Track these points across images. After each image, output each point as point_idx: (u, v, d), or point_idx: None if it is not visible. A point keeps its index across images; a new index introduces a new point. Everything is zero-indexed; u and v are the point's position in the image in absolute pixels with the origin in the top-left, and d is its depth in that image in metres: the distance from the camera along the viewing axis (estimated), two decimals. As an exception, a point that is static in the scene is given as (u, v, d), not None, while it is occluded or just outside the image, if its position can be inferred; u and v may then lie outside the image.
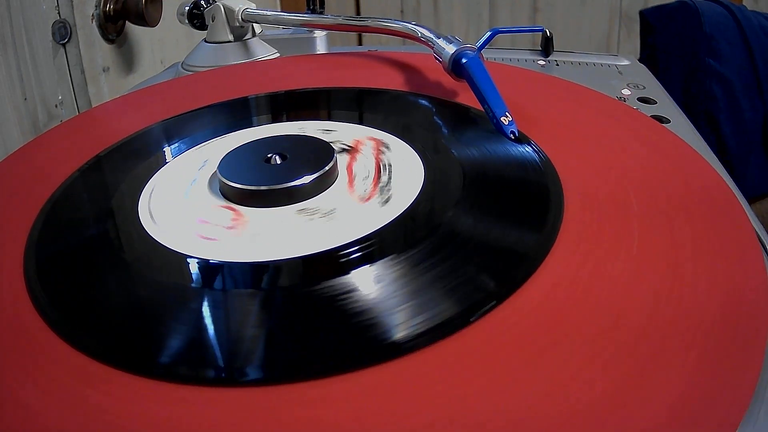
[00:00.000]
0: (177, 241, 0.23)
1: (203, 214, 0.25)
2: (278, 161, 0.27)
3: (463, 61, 0.32)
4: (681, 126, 0.37)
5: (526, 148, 0.28)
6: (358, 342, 0.18)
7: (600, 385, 0.17)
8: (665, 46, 0.76)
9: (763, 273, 0.20)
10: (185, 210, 0.26)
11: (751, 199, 0.70)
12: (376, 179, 0.26)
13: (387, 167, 0.27)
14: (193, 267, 0.22)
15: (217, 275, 0.22)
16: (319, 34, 0.54)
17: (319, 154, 0.27)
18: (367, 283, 0.21)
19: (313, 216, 0.24)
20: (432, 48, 0.34)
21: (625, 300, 0.19)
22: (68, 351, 0.19)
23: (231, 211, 0.25)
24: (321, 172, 0.26)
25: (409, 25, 0.38)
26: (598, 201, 0.24)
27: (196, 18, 0.50)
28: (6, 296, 0.22)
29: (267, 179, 0.25)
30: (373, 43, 0.96)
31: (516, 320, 0.19)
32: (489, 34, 0.36)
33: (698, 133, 0.37)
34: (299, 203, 0.25)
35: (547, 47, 0.50)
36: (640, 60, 0.58)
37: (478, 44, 0.34)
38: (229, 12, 0.47)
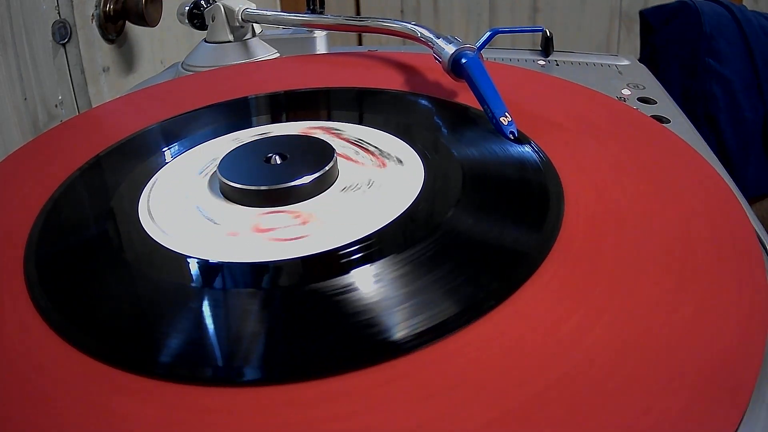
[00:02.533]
0: (177, 241, 0.23)
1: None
2: (278, 161, 0.27)
3: (463, 61, 0.32)
4: (681, 126, 0.37)
5: (526, 148, 0.28)
6: (357, 342, 0.18)
7: (599, 385, 0.17)
8: (665, 46, 0.76)
9: (763, 273, 0.20)
10: (185, 210, 0.26)
11: (751, 199, 0.70)
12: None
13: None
14: (193, 267, 0.22)
15: (216, 275, 0.22)
16: (319, 34, 0.54)
17: (319, 154, 0.27)
18: (367, 282, 0.21)
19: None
20: (432, 48, 0.34)
21: (624, 299, 0.19)
22: (68, 351, 0.19)
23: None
24: (321, 172, 0.26)
25: (409, 25, 0.38)
26: (598, 201, 0.24)
27: (196, 18, 0.50)
28: (6, 296, 0.22)
29: (267, 179, 0.25)
30: (373, 43, 0.96)
31: (516, 320, 0.19)
32: (489, 34, 0.36)
33: (698, 133, 0.37)
34: (299, 203, 0.25)
35: (547, 47, 0.50)
36: (640, 60, 0.58)
37: (478, 44, 0.34)
38: (229, 12, 0.47)
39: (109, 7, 0.60)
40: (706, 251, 0.21)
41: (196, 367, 0.18)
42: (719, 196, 0.24)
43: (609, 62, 0.49)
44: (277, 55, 0.50)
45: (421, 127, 0.31)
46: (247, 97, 0.36)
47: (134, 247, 0.24)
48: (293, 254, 0.22)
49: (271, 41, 0.52)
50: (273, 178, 0.26)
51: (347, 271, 0.21)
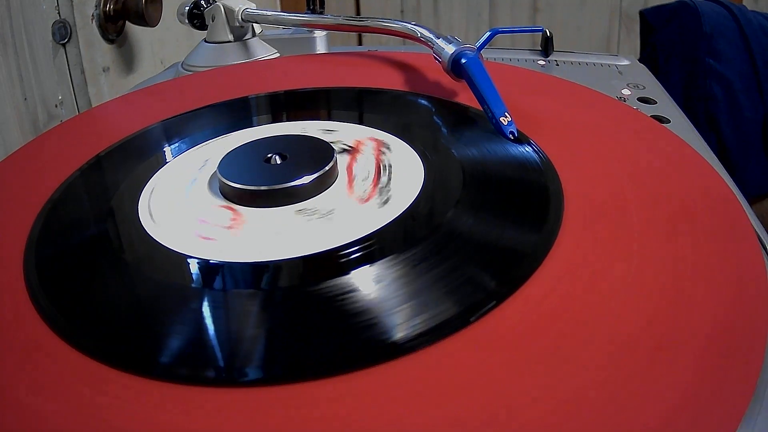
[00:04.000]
0: (177, 241, 0.23)
1: (203, 214, 0.25)
2: (278, 161, 0.27)
3: (463, 61, 0.32)
4: (681, 126, 0.37)
5: (526, 148, 0.28)
6: (358, 342, 0.18)
7: (600, 386, 0.17)
8: (665, 46, 0.76)
9: (763, 273, 0.20)
10: (185, 210, 0.26)
11: (751, 199, 0.70)
12: (375, 180, 0.26)
13: (387, 168, 0.27)
14: (193, 267, 0.22)
15: (216, 275, 0.22)
16: (319, 34, 0.54)
17: (319, 154, 0.27)
18: (367, 283, 0.21)
19: (312, 216, 0.24)
20: (432, 48, 0.34)
21: (624, 300, 0.19)
22: (68, 351, 0.19)
23: (231, 211, 0.25)
24: (321, 172, 0.26)
25: (409, 25, 0.38)
26: (598, 201, 0.24)
27: (196, 18, 0.50)
28: (6, 296, 0.22)
29: (267, 179, 0.25)
30: (373, 43, 0.96)
31: (516, 320, 0.19)
32: (489, 34, 0.36)
33: (698, 133, 0.37)
34: (299, 203, 0.25)
35: (547, 47, 0.50)
36: (640, 60, 0.58)
37: (478, 44, 0.34)
38: (229, 12, 0.47)
39: (109, 7, 0.60)
40: (705, 251, 0.21)
41: (196, 367, 0.18)
42: (719, 196, 0.24)
43: (609, 62, 0.49)
44: (277, 55, 0.50)
45: (421, 127, 0.31)
46: (247, 97, 0.36)
47: (134, 247, 0.24)
48: (293, 254, 0.22)
49: (271, 41, 0.52)
50: (273, 178, 0.26)
51: (347, 272, 0.21)
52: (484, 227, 0.23)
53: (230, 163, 0.27)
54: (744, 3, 0.95)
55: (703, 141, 0.35)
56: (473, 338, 0.18)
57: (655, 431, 0.15)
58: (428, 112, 0.33)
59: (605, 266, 0.21)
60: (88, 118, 0.38)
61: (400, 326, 0.19)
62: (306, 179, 0.25)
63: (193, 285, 0.22)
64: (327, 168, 0.26)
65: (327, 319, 0.19)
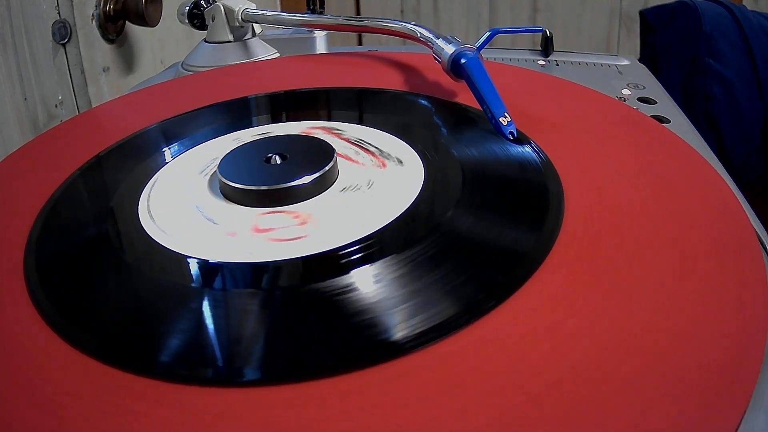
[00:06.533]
0: (177, 242, 0.23)
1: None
2: (278, 161, 0.27)
3: (462, 61, 0.32)
4: (681, 126, 0.37)
5: (526, 148, 0.28)
6: (357, 342, 0.18)
7: (599, 386, 0.17)
8: (665, 46, 0.76)
9: (763, 273, 0.20)
10: (185, 210, 0.26)
11: (751, 199, 0.70)
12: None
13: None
14: (193, 267, 0.22)
15: (216, 275, 0.22)
16: (319, 34, 0.54)
17: (319, 154, 0.27)
18: (367, 283, 0.21)
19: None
20: (431, 48, 0.34)
21: (624, 299, 0.19)
22: (68, 351, 0.19)
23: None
24: (321, 172, 0.26)
25: (409, 25, 0.38)
26: (598, 201, 0.24)
27: (196, 18, 0.50)
28: (6, 296, 0.22)
29: (267, 179, 0.25)
30: (373, 43, 0.96)
31: (516, 320, 0.19)
32: (488, 34, 0.36)
33: (698, 133, 0.37)
34: (299, 203, 0.25)
35: (547, 47, 0.50)
36: (640, 60, 0.58)
37: (478, 44, 0.34)
38: (229, 12, 0.47)
39: (109, 7, 0.60)
40: (705, 251, 0.21)
41: (196, 367, 0.18)
42: (719, 196, 0.24)
43: (609, 62, 0.49)
44: (277, 55, 0.50)
45: (421, 127, 0.31)
46: (247, 97, 0.36)
47: (134, 247, 0.24)
48: (293, 254, 0.22)
49: (271, 41, 0.52)
50: (273, 178, 0.26)
51: (347, 271, 0.21)
52: (484, 227, 0.23)
53: (230, 163, 0.27)
54: (744, 3, 0.95)
55: (703, 141, 0.36)
56: (473, 338, 0.18)
57: (655, 430, 0.15)
58: (428, 112, 0.33)
59: (605, 266, 0.21)
60: (88, 118, 0.38)
61: (400, 326, 0.19)
62: (306, 179, 0.25)
63: (192, 285, 0.22)
64: (327, 168, 0.26)
65: (327, 319, 0.19)
